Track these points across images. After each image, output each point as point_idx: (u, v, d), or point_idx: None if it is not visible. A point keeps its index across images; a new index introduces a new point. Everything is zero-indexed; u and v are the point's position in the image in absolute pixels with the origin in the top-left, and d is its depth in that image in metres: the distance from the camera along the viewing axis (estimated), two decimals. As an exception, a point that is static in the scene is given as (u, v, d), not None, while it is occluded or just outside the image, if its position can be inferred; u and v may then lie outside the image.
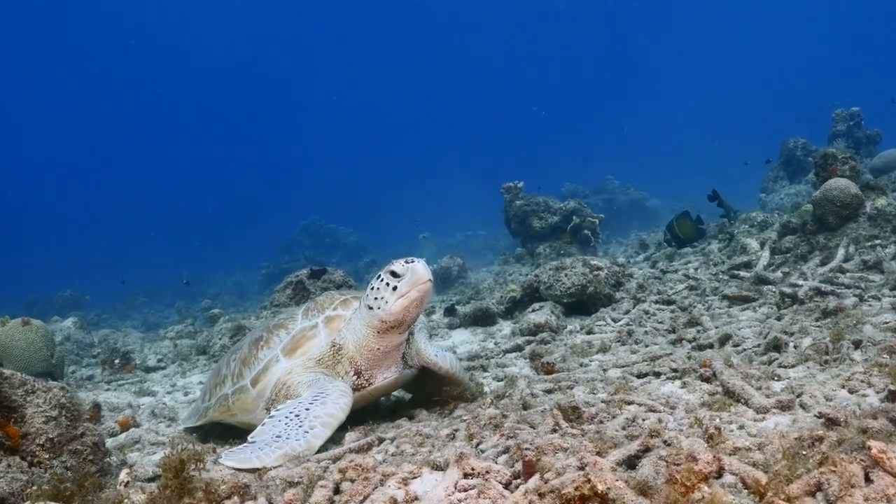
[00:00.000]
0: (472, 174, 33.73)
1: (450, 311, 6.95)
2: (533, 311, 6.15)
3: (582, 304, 6.44)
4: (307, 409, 3.20)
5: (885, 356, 3.45)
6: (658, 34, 59.12)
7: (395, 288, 3.32)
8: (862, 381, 3.17)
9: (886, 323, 4.06)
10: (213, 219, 42.37)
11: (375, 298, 3.36)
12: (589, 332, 5.68)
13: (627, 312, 6.09)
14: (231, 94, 61.38)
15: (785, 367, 3.68)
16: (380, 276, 3.41)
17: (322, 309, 3.67)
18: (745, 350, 4.29)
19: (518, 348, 5.53)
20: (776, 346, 4.12)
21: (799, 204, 9.52)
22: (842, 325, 4.25)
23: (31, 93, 56.51)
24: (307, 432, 3.06)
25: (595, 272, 6.48)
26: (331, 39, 62.39)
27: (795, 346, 4.08)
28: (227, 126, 60.89)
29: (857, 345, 3.72)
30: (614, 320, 5.94)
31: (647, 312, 5.93)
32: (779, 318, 5.06)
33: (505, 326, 6.70)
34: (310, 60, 62.80)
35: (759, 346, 4.27)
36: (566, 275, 6.43)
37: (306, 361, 3.52)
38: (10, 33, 52.00)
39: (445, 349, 6.15)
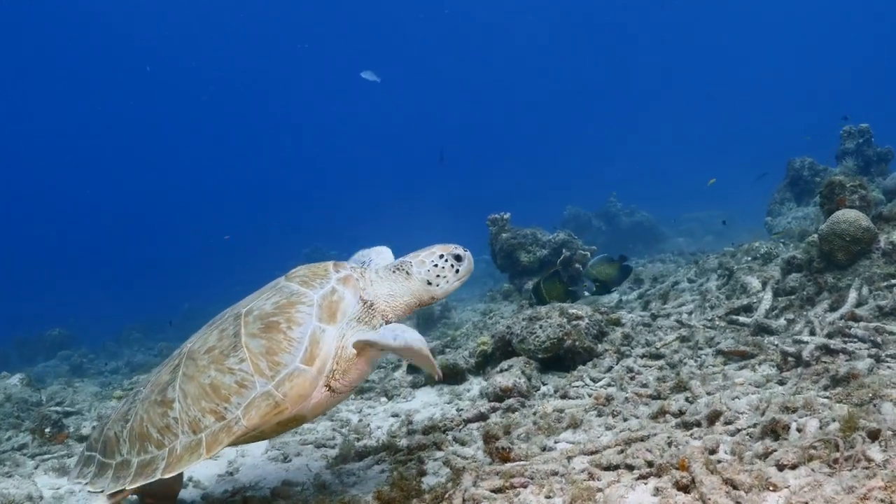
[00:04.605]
0: (474, 199, 33.13)
1: (414, 368, 6.23)
2: (501, 371, 5.39)
3: (559, 358, 5.66)
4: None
5: (910, 456, 2.71)
6: (662, 51, 58.70)
7: (457, 271, 3.71)
8: (881, 501, 2.44)
9: (909, 400, 3.31)
10: (215, 249, 41.74)
11: (437, 276, 3.66)
12: (563, 396, 4.96)
13: (609, 370, 5.36)
14: (232, 120, 61.40)
15: (783, 466, 2.93)
16: (442, 255, 3.69)
17: (325, 276, 3.49)
18: (737, 431, 3.56)
19: (482, 417, 4.82)
20: (774, 430, 3.39)
21: (807, 231, 8.75)
22: (855, 398, 3.52)
23: (37, 122, 56.64)
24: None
25: (574, 322, 5.73)
26: (327, 59, 62.21)
27: (799, 430, 3.34)
28: (226, 155, 60.89)
29: (873, 436, 2.97)
30: (593, 380, 5.20)
31: (630, 370, 5.19)
32: (780, 382, 4.33)
33: (474, 384, 5.97)
34: (310, 85, 62.73)
35: (754, 425, 3.54)
36: (541, 326, 5.68)
37: (350, 322, 3.41)
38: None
39: (403, 414, 5.48)
